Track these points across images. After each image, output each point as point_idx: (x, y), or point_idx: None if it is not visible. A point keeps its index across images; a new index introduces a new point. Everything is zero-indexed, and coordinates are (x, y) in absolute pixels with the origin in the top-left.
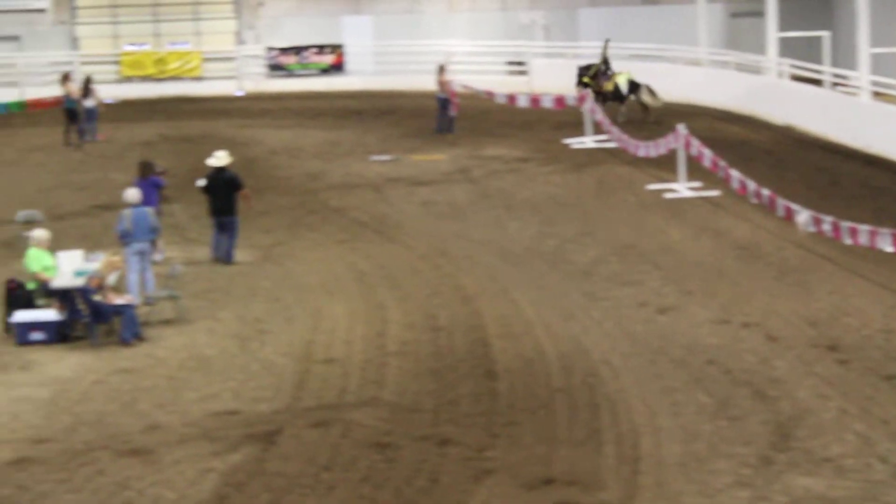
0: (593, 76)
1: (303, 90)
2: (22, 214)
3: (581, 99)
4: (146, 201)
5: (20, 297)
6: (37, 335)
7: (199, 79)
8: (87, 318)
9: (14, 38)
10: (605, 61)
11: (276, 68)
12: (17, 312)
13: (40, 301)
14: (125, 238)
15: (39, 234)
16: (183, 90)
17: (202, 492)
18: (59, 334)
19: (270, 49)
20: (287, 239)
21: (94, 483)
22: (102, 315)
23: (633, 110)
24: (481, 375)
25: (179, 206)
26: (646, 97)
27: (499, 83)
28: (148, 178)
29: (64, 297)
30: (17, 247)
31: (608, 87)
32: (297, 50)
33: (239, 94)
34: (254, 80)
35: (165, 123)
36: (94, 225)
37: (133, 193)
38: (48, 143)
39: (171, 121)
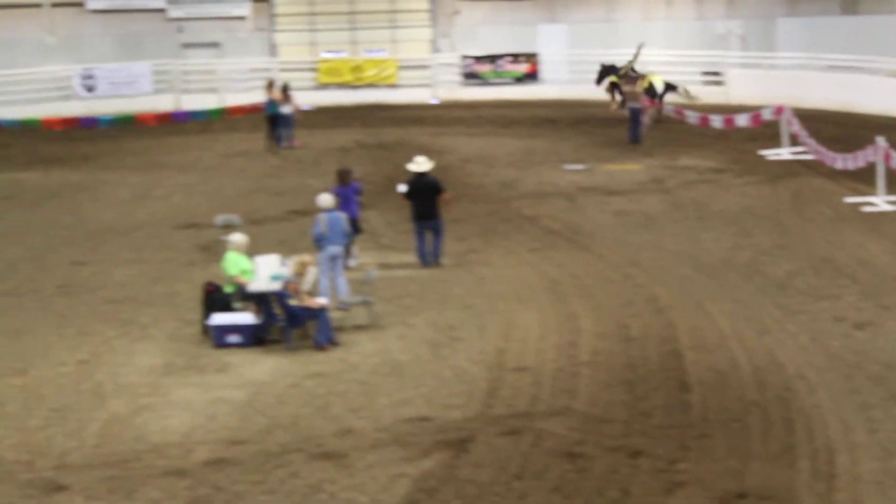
0: (622, 76)
1: (497, 99)
2: (221, 219)
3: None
4: (347, 208)
5: (218, 300)
6: (233, 338)
7: (394, 86)
8: (282, 322)
9: (215, 45)
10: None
11: (470, 76)
12: (215, 315)
13: (237, 304)
14: (320, 242)
15: (238, 238)
16: (378, 97)
17: (394, 497)
18: (255, 337)
19: (465, 57)
20: (480, 246)
21: (289, 485)
22: (298, 319)
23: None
24: (674, 387)
25: (374, 213)
26: (684, 94)
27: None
28: (349, 185)
29: (260, 300)
30: (216, 250)
31: (642, 86)
32: (492, 58)
33: (433, 101)
34: (448, 88)
35: (361, 130)
36: (290, 230)
37: (327, 198)
38: (247, 148)
39: (367, 128)
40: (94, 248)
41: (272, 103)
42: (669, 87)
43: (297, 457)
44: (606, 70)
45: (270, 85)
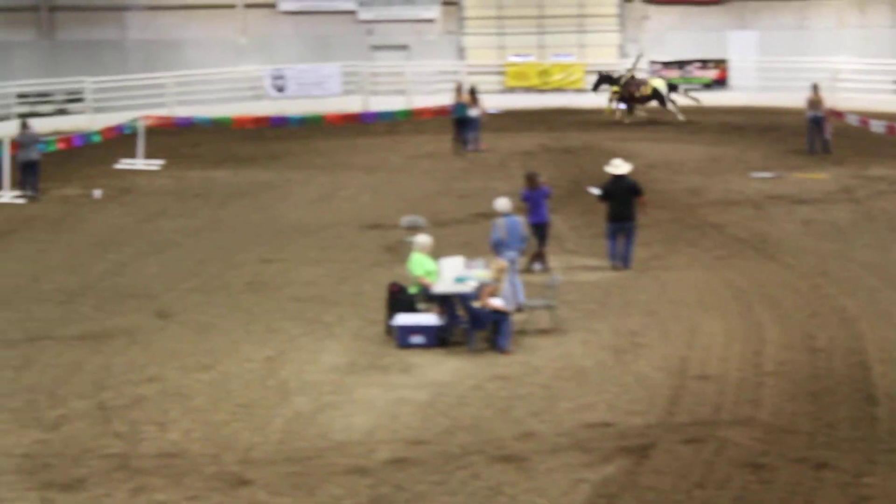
0: (624, 84)
1: (684, 105)
2: (406, 220)
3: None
4: (537, 212)
5: (402, 300)
6: (417, 339)
7: (580, 91)
8: (465, 324)
9: (403, 48)
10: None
11: None
12: (399, 316)
13: (421, 305)
14: (498, 247)
15: (423, 239)
16: (565, 102)
17: (574, 502)
18: (438, 339)
19: (653, 63)
20: (664, 253)
21: (470, 487)
22: (481, 321)
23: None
24: (861, 399)
25: (559, 217)
26: (687, 96)
27: (888, 103)
28: (538, 189)
29: (444, 302)
30: (401, 251)
31: (645, 91)
32: (681, 64)
33: (620, 107)
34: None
35: (546, 134)
36: (474, 232)
37: (504, 202)
38: (433, 150)
39: (552, 132)
40: (281, 247)
41: (460, 106)
42: (672, 88)
43: (478, 458)
44: (604, 79)
45: (458, 88)
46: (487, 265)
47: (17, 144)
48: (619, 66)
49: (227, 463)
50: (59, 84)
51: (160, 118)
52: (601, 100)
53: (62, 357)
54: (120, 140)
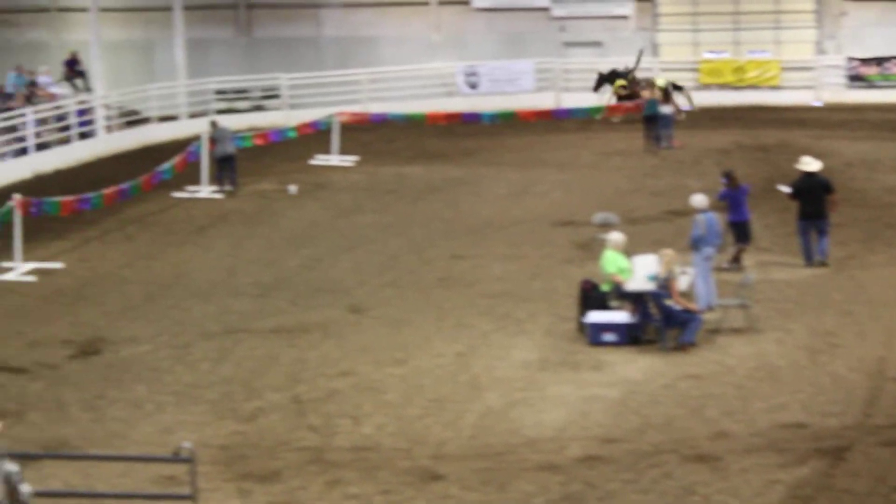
0: (631, 81)
1: (883, 102)
2: (598, 217)
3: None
4: (737, 211)
5: (594, 298)
6: (608, 336)
7: (776, 88)
8: (658, 323)
9: (597, 44)
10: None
11: (855, 79)
12: (591, 313)
13: (613, 303)
14: (698, 244)
15: (615, 236)
16: (760, 99)
17: (768, 503)
18: (629, 337)
19: (851, 59)
20: (861, 252)
21: (661, 486)
22: (673, 320)
23: None
24: None
25: (753, 216)
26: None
27: None
28: (738, 188)
29: (636, 300)
30: (593, 248)
31: (656, 92)
32: (879, 60)
33: (816, 104)
34: (832, 91)
35: (740, 132)
36: (667, 230)
37: (701, 199)
38: (625, 147)
39: (747, 129)
40: (472, 243)
41: (652, 103)
42: (677, 88)
43: (670, 457)
44: (609, 76)
45: (649, 84)
46: (660, 259)
47: (213, 141)
48: (817, 63)
49: (419, 457)
50: (255, 81)
51: (354, 114)
52: (794, 97)
53: (258, 350)
54: (315, 136)
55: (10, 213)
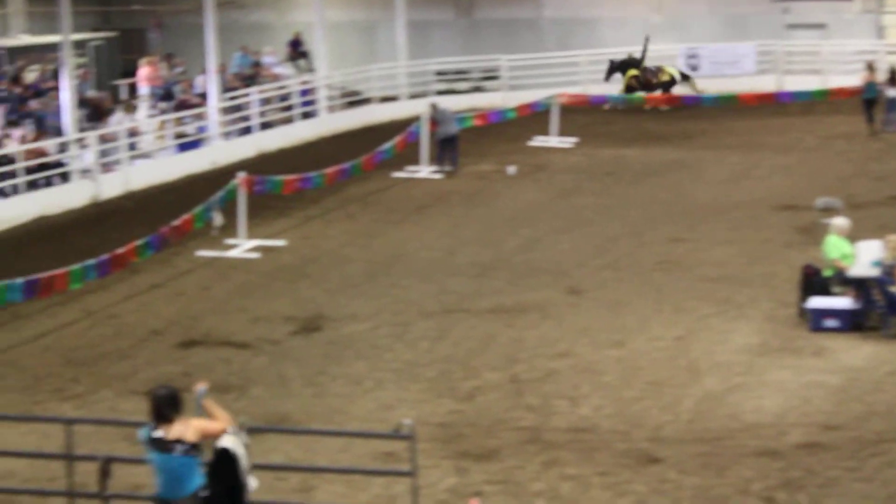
0: (642, 71)
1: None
2: (821, 201)
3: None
4: None
5: (816, 283)
6: (830, 322)
7: None
8: (881, 309)
9: (820, 26)
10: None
11: None
12: (813, 298)
13: (836, 289)
14: None
15: (839, 221)
16: None
17: None
18: (852, 323)
19: None
20: None
21: (884, 474)
22: None
23: None
24: None
25: None
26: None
27: None
28: None
29: (860, 286)
30: (815, 233)
31: (663, 77)
32: None
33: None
34: None
35: None
36: (891, 215)
37: None
38: (849, 131)
39: None
40: (691, 226)
41: (870, 86)
42: (684, 77)
43: (893, 446)
44: (623, 65)
45: (870, 67)
46: (885, 245)
47: (435, 122)
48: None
49: (636, 440)
50: (475, 62)
51: (574, 96)
52: None
53: (476, 329)
54: (534, 117)
55: (235, 191)
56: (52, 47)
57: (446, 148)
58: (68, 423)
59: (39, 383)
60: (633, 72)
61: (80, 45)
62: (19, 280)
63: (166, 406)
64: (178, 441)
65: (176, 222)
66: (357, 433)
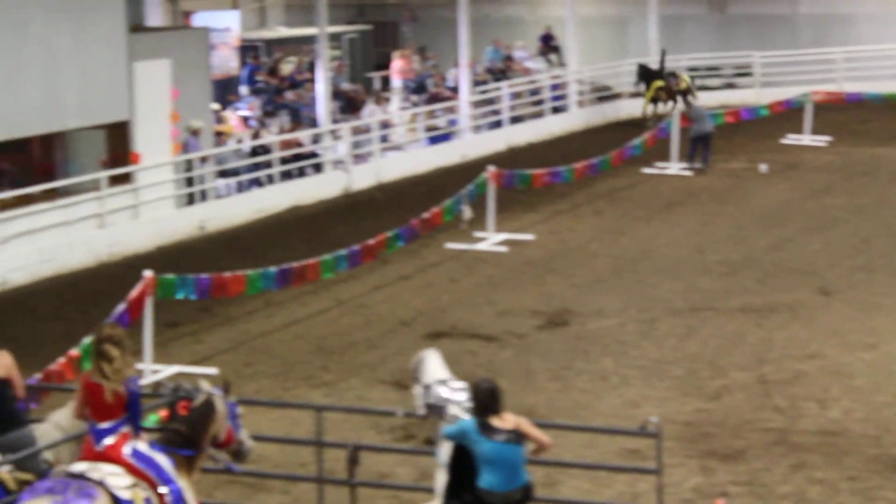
0: (665, 79)
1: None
2: None
3: None
4: None
5: None
6: None
7: None
8: None
9: None
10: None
11: None
12: None
13: None
14: None
15: None
16: None
17: None
18: None
19: None
20: None
21: None
22: None
23: None
24: None
25: None
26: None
27: None
28: None
29: None
30: None
31: (682, 86)
32: None
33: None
34: None
35: None
36: None
37: None
38: None
39: None
40: None
41: None
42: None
43: None
44: (649, 74)
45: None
46: None
47: (687, 119)
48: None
49: (887, 445)
50: (727, 58)
51: (829, 94)
52: None
53: (724, 328)
54: (787, 115)
55: (484, 184)
56: (309, 40)
57: (699, 145)
58: (318, 409)
59: (290, 370)
60: (658, 83)
61: (335, 38)
62: (273, 269)
63: (491, 399)
64: (514, 431)
65: (426, 215)
66: (603, 429)
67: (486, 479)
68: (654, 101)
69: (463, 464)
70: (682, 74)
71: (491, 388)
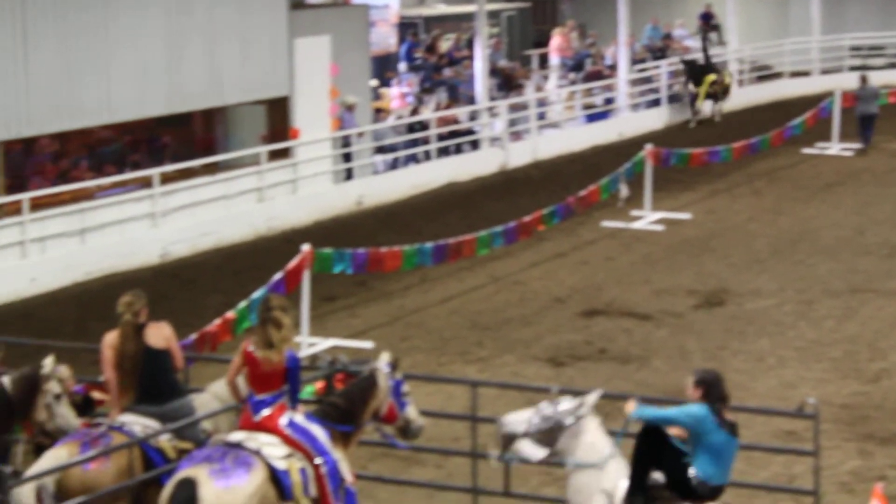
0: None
1: None
2: None
3: None
4: None
5: None
6: None
7: None
8: None
9: None
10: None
11: None
12: None
13: None
14: None
15: None
16: None
17: None
18: None
19: None
20: None
21: None
22: None
23: None
24: None
25: None
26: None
27: None
28: None
29: None
30: None
31: (727, 79)
32: None
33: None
34: None
35: None
36: None
37: None
38: None
39: None
40: None
41: None
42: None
43: None
44: (700, 69)
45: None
46: None
47: (854, 98)
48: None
49: None
50: (892, 38)
51: None
52: None
53: (884, 310)
54: None
55: (641, 162)
56: (467, 17)
57: (864, 126)
58: (473, 385)
59: (445, 345)
60: (710, 77)
61: (493, 16)
62: (429, 244)
63: (723, 388)
64: (735, 425)
65: (582, 192)
66: (760, 409)
67: (705, 470)
68: (711, 96)
69: (650, 458)
70: (724, 71)
71: (718, 376)
